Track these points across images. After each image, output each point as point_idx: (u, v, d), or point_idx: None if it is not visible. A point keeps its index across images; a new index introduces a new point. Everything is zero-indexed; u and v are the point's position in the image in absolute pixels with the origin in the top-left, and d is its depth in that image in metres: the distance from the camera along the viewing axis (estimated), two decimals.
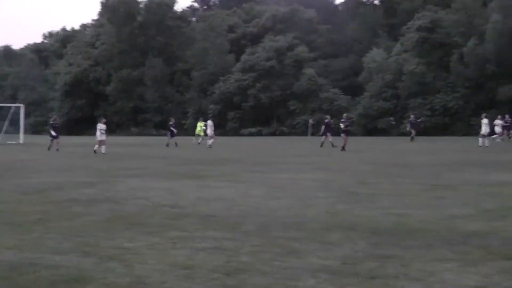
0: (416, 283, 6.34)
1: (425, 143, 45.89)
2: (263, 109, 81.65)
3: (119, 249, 8.06)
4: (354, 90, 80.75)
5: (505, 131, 48.09)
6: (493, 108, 66.02)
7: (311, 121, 72.01)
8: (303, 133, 73.49)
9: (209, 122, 43.24)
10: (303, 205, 12.21)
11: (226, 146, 40.84)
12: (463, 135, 64.49)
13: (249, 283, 6.43)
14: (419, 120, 53.81)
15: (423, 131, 64.33)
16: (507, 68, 66.65)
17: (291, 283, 6.39)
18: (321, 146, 40.34)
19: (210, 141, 40.95)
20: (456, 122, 70.11)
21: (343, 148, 34.45)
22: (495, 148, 36.06)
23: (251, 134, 76.91)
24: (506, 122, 48.73)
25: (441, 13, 76.88)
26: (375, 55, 77.86)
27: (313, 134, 70.51)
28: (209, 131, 42.59)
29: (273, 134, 77.59)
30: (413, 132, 50.21)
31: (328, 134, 41.26)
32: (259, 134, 77.42)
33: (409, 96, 73.16)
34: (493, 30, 66.87)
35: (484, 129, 39.22)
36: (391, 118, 71.21)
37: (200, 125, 48.33)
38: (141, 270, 6.97)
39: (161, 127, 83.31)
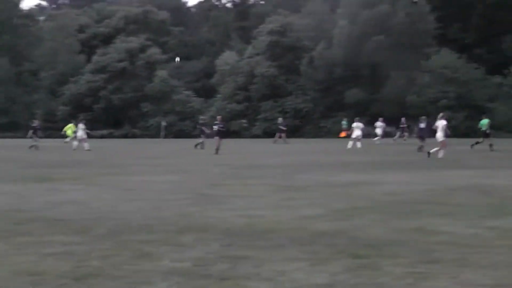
0: (267, 283, 6.40)
1: (277, 145, 46.74)
2: (115, 111, 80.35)
3: None
4: (207, 92, 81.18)
5: (405, 134, 50.15)
6: (341, 110, 68.42)
7: (163, 123, 71.72)
8: (156, 135, 73.06)
9: (81, 125, 42.06)
10: (155, 208, 12.09)
11: (78, 149, 39.84)
12: (313, 137, 66.30)
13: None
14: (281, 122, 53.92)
15: (275, 133, 65.55)
16: (353, 72, 69.14)
17: (142, 287, 6.29)
18: (202, 148, 39.68)
19: (86, 144, 39.85)
20: (306, 124, 71.94)
21: (216, 152, 33.59)
22: (356, 150, 37.33)
23: (102, 137, 75.31)
24: (402, 125, 50.69)
25: (291, 17, 78.70)
26: (228, 57, 78.61)
27: (166, 136, 70.30)
28: (80, 134, 41.46)
29: (125, 136, 76.53)
30: (283, 135, 50.81)
31: (202, 135, 40.99)
32: (110, 136, 76.09)
33: (261, 99, 74.37)
34: (341, 35, 69.14)
35: (356, 132, 40.58)
36: (244, 121, 72.18)
37: (71, 127, 47.08)
38: None
39: (6, 130, 79.80)
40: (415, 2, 72.25)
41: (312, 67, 71.73)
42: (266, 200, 13.28)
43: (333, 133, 66.68)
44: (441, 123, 28.91)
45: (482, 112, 60.93)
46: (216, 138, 34.80)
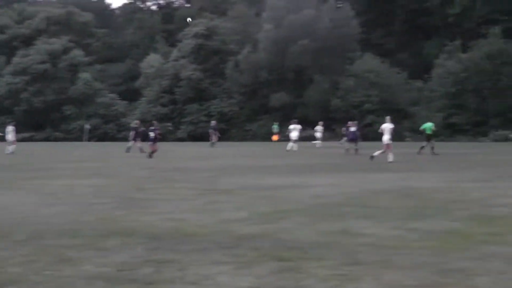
0: (191, 287, 6.36)
1: (203, 148, 46.64)
2: (37, 113, 78.58)
3: None
4: (131, 95, 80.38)
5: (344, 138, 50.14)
6: (266, 114, 68.85)
7: (87, 126, 70.68)
8: (79, 138, 71.97)
9: (10, 128, 40.87)
10: (78, 212, 11.88)
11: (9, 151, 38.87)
12: (239, 140, 66.40)
13: None
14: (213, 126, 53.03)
15: (201, 136, 65.50)
16: (279, 76, 69.62)
17: None
18: (127, 151, 39.06)
19: (10, 148, 38.73)
20: (232, 128, 72.03)
21: (150, 156, 32.80)
22: (290, 152, 37.48)
23: (23, 140, 73.52)
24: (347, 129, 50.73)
25: (217, 20, 78.75)
26: (152, 60, 78.09)
27: (89, 140, 69.32)
28: (10, 137, 40.32)
29: (46, 139, 74.99)
30: (215, 137, 50.54)
31: (137, 139, 40.42)
32: (32, 139, 74.42)
33: (186, 102, 74.16)
34: (266, 39, 69.50)
35: (292, 134, 40.80)
36: (169, 124, 71.77)
37: None
38: None
39: None
40: (339, 7, 73.31)
41: (238, 71, 71.89)
42: (192, 203, 13.21)
43: (259, 137, 67.06)
44: (387, 126, 29.07)
45: (404, 116, 62.55)
46: (151, 142, 34.28)
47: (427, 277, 6.73)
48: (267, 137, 64.20)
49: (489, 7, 69.09)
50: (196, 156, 35.98)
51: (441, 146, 36.15)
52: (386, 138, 28.57)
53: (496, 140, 57.31)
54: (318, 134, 48.48)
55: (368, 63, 68.03)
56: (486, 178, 19.42)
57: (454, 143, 52.25)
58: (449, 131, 61.14)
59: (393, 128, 29.23)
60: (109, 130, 76.17)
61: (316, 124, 50.02)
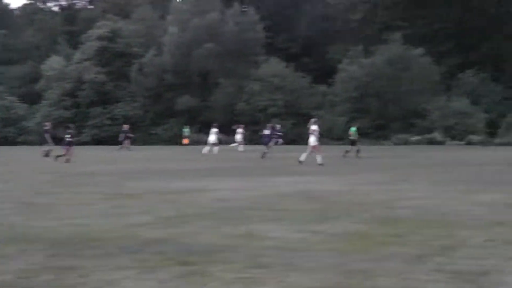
0: None
1: (108, 152, 46.00)
2: None
3: None
4: (32, 98, 78.42)
5: (279, 140, 49.53)
6: (172, 117, 68.59)
7: None
8: None
9: None
10: None
11: None
12: (143, 144, 65.85)
13: None
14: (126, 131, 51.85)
15: (105, 140, 64.63)
16: (184, 79, 69.49)
17: None
18: (47, 154, 37.91)
19: None
20: (136, 132, 71.31)
21: (67, 160, 31.64)
22: (210, 156, 37.32)
23: None
24: (277, 131, 50.30)
25: (121, 23, 77.95)
26: (54, 62, 76.54)
27: None
28: None
29: None
30: (126, 141, 49.77)
31: (49, 143, 39.27)
32: None
33: (89, 105, 73.00)
34: (171, 42, 69.32)
35: (211, 137, 40.75)
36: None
37: None
38: None
39: None
40: (244, 11, 73.75)
41: (142, 74, 71.36)
42: (95, 208, 12.97)
43: (164, 140, 66.70)
44: (313, 128, 29.41)
45: (309, 119, 63.39)
46: (67, 146, 33.18)
47: (330, 278, 6.79)
48: (172, 141, 63.97)
49: (390, 14, 70.98)
50: (101, 160, 35.45)
51: (344, 150, 36.88)
52: (312, 140, 28.99)
53: (397, 144, 58.86)
54: (239, 137, 48.57)
55: (273, 67, 68.71)
56: (389, 180, 19.89)
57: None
58: None
59: (317, 130, 29.65)
60: (8, 134, 74.10)
61: (232, 127, 50.35)
